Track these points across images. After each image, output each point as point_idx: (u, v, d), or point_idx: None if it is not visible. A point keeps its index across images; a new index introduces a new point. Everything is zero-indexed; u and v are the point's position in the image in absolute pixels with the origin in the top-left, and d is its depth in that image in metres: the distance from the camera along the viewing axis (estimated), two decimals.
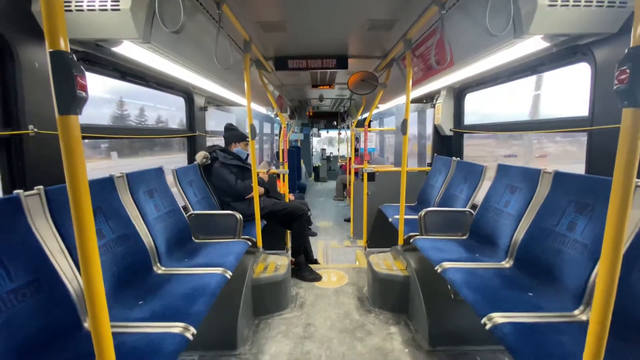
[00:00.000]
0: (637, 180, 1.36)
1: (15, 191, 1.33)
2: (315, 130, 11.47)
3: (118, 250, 1.73)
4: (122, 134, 2.36)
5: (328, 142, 15.29)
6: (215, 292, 1.71)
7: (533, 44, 1.81)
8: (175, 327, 1.35)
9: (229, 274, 1.92)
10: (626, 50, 0.74)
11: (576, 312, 1.44)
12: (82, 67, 0.74)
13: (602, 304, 0.81)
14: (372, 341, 2.24)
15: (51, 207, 1.43)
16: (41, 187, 1.42)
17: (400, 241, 2.80)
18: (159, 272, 1.95)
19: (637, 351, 1.18)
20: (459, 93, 3.36)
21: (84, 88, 0.73)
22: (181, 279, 1.85)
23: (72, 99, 0.71)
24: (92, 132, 2.05)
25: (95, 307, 0.81)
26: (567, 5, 1.49)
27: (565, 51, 1.91)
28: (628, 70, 0.74)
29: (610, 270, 0.79)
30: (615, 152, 0.77)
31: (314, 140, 12.07)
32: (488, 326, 1.39)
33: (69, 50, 0.71)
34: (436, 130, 3.70)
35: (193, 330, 1.37)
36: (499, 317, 1.40)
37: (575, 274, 1.53)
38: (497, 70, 2.55)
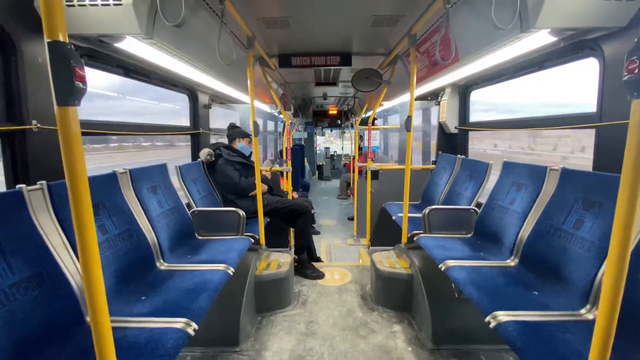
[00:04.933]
0: None
1: (18, 185, 1.33)
2: (319, 129, 11.45)
3: (121, 246, 1.73)
4: (124, 131, 2.36)
5: (338, 135, 15.39)
6: (217, 288, 1.71)
7: (539, 39, 1.77)
8: (177, 323, 1.35)
9: (231, 271, 1.92)
10: (636, 40, 0.72)
11: (583, 310, 1.42)
12: (81, 59, 0.73)
13: (609, 302, 0.78)
14: (375, 339, 2.23)
15: (54, 201, 1.44)
16: (44, 181, 1.42)
17: (404, 239, 2.78)
18: (162, 268, 1.96)
19: None
20: (464, 90, 3.32)
21: (82, 79, 0.73)
22: (183, 275, 1.85)
23: (70, 89, 0.71)
24: (93, 127, 2.05)
25: (95, 302, 0.81)
26: None
27: (572, 46, 1.87)
28: (638, 61, 0.72)
29: (618, 269, 0.77)
30: (624, 148, 0.74)
31: (319, 139, 12.05)
32: (492, 324, 1.37)
33: (68, 41, 0.71)
34: (441, 127, 3.67)
35: (195, 325, 1.37)
36: (503, 316, 1.38)
37: (582, 272, 1.50)
38: (503, 67, 2.51)
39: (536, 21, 1.53)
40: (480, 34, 2.02)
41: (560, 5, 1.48)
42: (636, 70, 0.72)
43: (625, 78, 0.74)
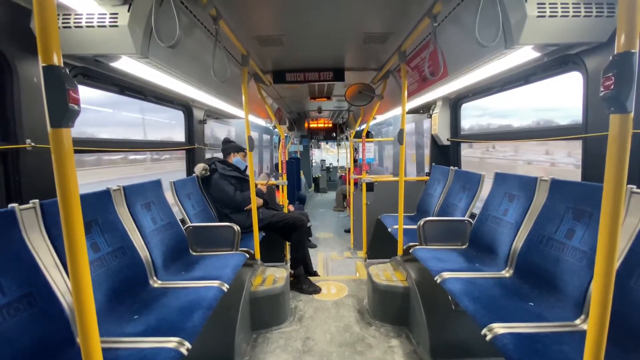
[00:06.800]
0: (631, 187, 1.37)
1: (11, 205, 1.33)
2: (314, 142, 11.53)
3: (113, 263, 1.71)
4: (118, 147, 2.37)
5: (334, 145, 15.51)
6: (211, 305, 1.68)
7: (524, 54, 1.83)
8: (170, 342, 1.32)
9: (225, 287, 1.90)
10: (610, 57, 0.76)
11: (577, 321, 1.42)
12: (75, 81, 0.75)
13: (599, 312, 0.79)
14: (373, 355, 2.19)
15: (46, 221, 1.43)
16: (37, 200, 1.42)
17: (400, 251, 2.78)
18: (155, 285, 1.93)
19: (637, 359, 1.15)
20: (454, 103, 3.39)
21: (76, 102, 0.74)
22: (177, 292, 1.82)
23: (64, 112, 0.72)
24: (87, 145, 2.06)
25: (85, 322, 0.80)
26: (555, 16, 1.52)
27: (556, 61, 1.93)
28: (613, 77, 0.75)
29: (605, 277, 0.78)
30: None
31: (315, 151, 12.11)
32: (489, 337, 1.36)
33: (62, 65, 0.72)
34: (434, 140, 3.73)
35: (188, 345, 1.34)
36: (499, 328, 1.37)
37: (575, 282, 1.51)
38: (491, 81, 2.58)
39: (519, 38, 1.59)
40: (467, 50, 2.08)
41: (542, 22, 1.54)
42: (612, 87, 0.76)
43: (602, 94, 0.78)
